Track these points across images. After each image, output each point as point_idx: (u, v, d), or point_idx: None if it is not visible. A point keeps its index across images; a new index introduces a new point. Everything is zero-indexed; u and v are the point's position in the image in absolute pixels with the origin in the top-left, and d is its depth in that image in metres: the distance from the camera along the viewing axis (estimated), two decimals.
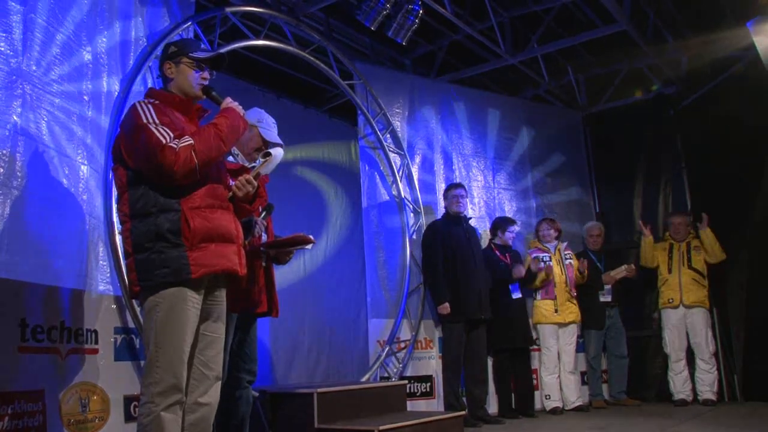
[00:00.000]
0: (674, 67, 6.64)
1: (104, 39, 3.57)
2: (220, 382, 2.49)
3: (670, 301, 5.85)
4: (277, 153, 2.48)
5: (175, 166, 2.28)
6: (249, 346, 3.15)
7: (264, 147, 3.13)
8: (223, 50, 4.07)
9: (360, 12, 5.10)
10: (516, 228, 5.79)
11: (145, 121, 2.35)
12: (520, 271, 5.49)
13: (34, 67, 3.04)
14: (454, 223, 5.30)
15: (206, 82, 2.62)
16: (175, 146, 2.30)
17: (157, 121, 2.35)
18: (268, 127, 3.19)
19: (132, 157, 2.39)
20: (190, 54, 2.58)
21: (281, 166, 5.75)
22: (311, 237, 3.10)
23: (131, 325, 3.42)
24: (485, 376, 5.23)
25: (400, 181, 5.58)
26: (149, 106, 2.42)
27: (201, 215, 2.37)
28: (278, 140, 3.19)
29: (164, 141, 2.30)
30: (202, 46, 2.86)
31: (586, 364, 6.10)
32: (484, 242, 5.79)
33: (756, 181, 5.92)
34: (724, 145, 6.01)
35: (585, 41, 6.15)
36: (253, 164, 2.74)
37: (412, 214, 5.60)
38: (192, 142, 2.34)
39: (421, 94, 6.03)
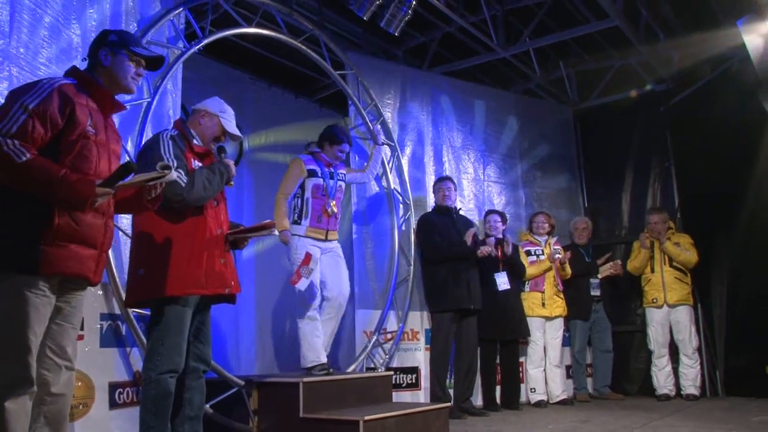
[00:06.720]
0: (666, 65, 6.67)
1: (93, 22, 3.53)
2: (73, 372, 2.35)
3: (654, 300, 5.89)
4: (171, 176, 2.40)
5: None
6: (204, 332, 3.07)
7: (223, 137, 3.17)
8: (194, 47, 4.15)
9: (353, 2, 5.06)
10: (498, 219, 5.73)
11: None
12: (484, 251, 5.18)
13: (21, 50, 3.01)
14: (443, 215, 5.33)
15: (139, 80, 2.50)
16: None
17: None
18: (230, 119, 3.18)
19: None
20: (132, 48, 2.44)
21: (269, 155, 5.78)
22: (272, 222, 3.25)
23: (117, 311, 3.41)
24: (473, 368, 5.23)
25: (390, 172, 5.56)
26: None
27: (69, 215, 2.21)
28: (237, 132, 3.20)
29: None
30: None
31: (571, 357, 6.15)
32: (480, 232, 5.75)
33: (744, 180, 5.95)
34: (714, 142, 6.04)
35: (577, 36, 6.17)
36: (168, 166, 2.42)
37: (401, 206, 5.59)
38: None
39: (413, 86, 6.01)
